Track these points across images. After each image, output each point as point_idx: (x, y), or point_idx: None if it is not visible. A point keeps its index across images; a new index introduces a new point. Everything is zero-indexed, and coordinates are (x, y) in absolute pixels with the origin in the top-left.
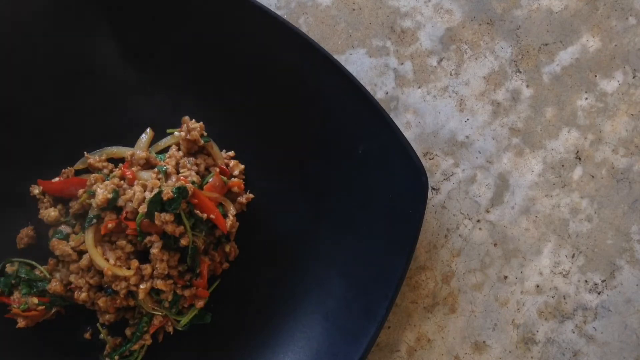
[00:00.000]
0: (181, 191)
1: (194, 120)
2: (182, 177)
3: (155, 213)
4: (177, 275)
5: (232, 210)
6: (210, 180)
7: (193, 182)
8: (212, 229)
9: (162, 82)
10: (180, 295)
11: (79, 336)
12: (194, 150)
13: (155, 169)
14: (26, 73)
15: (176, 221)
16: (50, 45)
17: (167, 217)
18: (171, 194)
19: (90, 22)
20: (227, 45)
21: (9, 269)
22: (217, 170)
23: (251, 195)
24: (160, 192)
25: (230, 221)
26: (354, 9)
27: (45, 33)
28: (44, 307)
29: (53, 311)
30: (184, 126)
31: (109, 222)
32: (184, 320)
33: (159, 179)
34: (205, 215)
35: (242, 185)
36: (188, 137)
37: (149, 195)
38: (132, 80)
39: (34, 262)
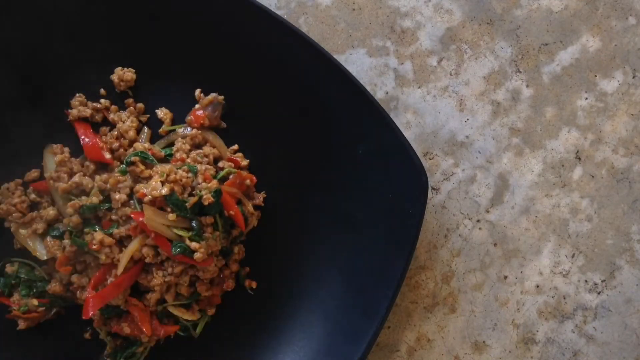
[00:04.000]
0: (218, 194)
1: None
2: (206, 173)
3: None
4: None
5: (250, 208)
6: (230, 177)
7: (214, 177)
8: (231, 228)
9: (161, 82)
10: (197, 298)
11: (79, 336)
12: (198, 141)
13: (185, 167)
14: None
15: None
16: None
17: (208, 219)
18: (212, 198)
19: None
20: (227, 46)
21: (9, 269)
22: (232, 164)
23: (264, 194)
24: (200, 197)
25: (255, 217)
26: (354, 9)
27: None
28: (44, 308)
29: (53, 312)
30: (199, 104)
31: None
32: (199, 328)
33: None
34: (225, 212)
35: (254, 179)
36: (201, 113)
37: (165, 192)
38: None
39: (33, 263)
